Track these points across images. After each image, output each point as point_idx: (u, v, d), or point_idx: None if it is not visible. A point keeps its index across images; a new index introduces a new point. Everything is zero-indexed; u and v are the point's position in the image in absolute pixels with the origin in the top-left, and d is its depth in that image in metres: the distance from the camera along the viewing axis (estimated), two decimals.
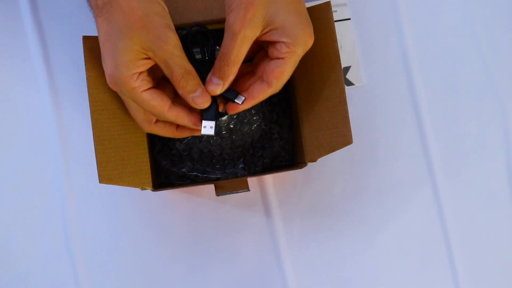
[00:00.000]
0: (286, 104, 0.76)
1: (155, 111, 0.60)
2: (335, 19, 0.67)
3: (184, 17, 0.68)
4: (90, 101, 0.63)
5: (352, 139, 0.63)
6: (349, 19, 0.80)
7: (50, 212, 0.77)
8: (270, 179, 0.78)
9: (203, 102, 0.60)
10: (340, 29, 0.79)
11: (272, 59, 0.61)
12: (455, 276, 0.78)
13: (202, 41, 0.63)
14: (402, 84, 0.80)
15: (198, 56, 0.63)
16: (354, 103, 0.78)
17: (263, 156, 0.75)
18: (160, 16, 0.57)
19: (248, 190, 0.68)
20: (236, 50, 0.58)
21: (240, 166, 0.75)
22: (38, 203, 0.77)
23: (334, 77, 0.65)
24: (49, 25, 0.79)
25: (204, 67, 0.62)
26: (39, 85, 0.78)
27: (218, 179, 0.74)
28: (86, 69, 0.63)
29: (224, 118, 0.73)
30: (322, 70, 0.65)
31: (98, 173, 0.62)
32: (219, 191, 0.68)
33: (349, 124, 0.64)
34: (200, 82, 0.60)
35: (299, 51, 0.60)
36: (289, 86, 0.72)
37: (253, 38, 0.59)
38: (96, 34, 0.62)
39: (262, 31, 0.59)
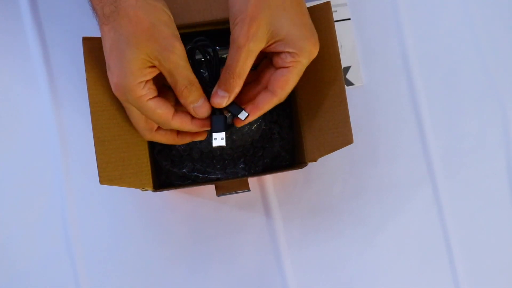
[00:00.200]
0: (286, 104, 0.76)
1: (160, 120, 0.60)
2: (335, 19, 0.67)
3: (183, 17, 0.67)
4: (90, 102, 0.63)
5: (353, 139, 0.63)
6: (349, 19, 0.80)
7: (50, 212, 0.77)
8: (270, 179, 0.78)
9: (204, 112, 0.61)
10: (340, 29, 0.79)
11: (277, 68, 0.61)
12: (455, 276, 0.78)
13: (206, 56, 0.63)
14: (402, 84, 0.80)
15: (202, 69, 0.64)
16: (354, 103, 0.78)
17: (264, 156, 0.75)
18: (166, 26, 0.58)
19: (249, 190, 0.68)
20: (241, 63, 0.59)
21: (240, 166, 0.75)
22: (38, 203, 0.77)
23: (334, 77, 0.65)
24: (49, 25, 0.79)
25: (210, 83, 0.62)
26: (39, 85, 0.78)
27: (218, 179, 0.74)
28: (86, 70, 0.63)
29: None
30: (322, 70, 0.65)
31: (98, 174, 0.62)
32: (220, 191, 0.68)
33: (350, 123, 0.64)
34: (202, 93, 0.61)
35: (304, 61, 0.61)
36: None
37: (258, 51, 0.59)
38: (96, 35, 0.62)
39: (267, 43, 0.59)
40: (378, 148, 0.79)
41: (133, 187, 0.65)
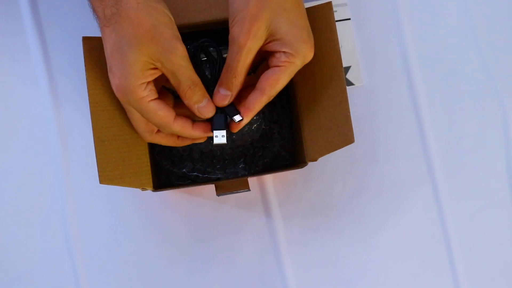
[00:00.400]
0: (286, 104, 0.76)
1: (161, 122, 0.60)
2: (335, 19, 0.67)
3: (183, 18, 0.67)
4: (90, 102, 0.63)
5: (354, 138, 0.63)
6: (349, 19, 0.80)
7: (50, 212, 0.77)
8: (270, 179, 0.78)
9: (208, 112, 0.61)
10: (340, 29, 0.79)
11: (270, 67, 0.61)
12: (455, 276, 0.78)
13: (210, 55, 0.64)
14: (402, 84, 0.80)
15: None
16: (354, 103, 0.78)
17: (264, 156, 0.75)
18: (168, 27, 0.58)
19: (249, 190, 0.68)
20: (242, 62, 0.59)
21: (240, 166, 0.75)
22: (38, 203, 0.77)
23: (335, 76, 0.65)
24: (49, 25, 0.79)
25: (212, 82, 0.63)
26: (39, 85, 0.78)
27: (218, 179, 0.74)
28: (86, 70, 0.63)
29: None
30: (323, 70, 0.65)
31: (98, 174, 0.62)
32: (220, 191, 0.68)
33: (351, 122, 0.64)
34: (206, 93, 0.61)
35: (298, 63, 0.61)
36: (290, 85, 0.72)
37: (257, 49, 0.60)
38: (96, 35, 0.62)
39: (265, 41, 0.60)
40: (378, 148, 0.79)
41: (133, 187, 0.65)
